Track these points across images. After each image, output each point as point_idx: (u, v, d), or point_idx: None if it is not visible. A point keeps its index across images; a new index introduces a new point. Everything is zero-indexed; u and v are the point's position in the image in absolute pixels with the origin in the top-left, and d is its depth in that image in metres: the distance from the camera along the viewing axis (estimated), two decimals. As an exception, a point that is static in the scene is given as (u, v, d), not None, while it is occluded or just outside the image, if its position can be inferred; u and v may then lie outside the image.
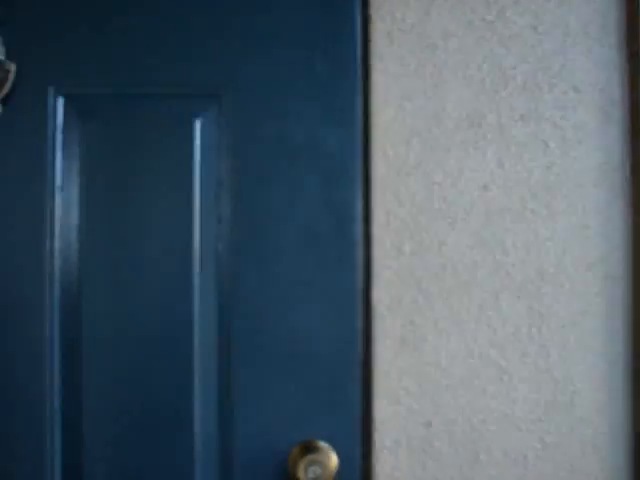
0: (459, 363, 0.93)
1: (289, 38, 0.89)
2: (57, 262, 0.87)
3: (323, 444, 0.90)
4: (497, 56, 0.95)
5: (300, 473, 0.88)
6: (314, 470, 0.88)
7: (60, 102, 0.88)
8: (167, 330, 0.88)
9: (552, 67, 0.95)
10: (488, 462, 0.94)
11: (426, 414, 0.93)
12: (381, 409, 0.92)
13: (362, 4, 0.92)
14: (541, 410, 0.95)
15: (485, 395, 0.94)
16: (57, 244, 0.87)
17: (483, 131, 0.94)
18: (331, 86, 0.90)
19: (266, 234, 0.88)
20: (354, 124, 0.90)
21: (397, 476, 0.92)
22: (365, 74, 0.92)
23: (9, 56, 0.88)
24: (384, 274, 0.92)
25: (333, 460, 0.89)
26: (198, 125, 0.89)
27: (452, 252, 0.93)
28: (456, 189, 0.93)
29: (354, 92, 0.90)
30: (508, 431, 0.94)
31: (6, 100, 0.87)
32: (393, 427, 0.92)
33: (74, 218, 0.88)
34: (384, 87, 0.93)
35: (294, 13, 0.89)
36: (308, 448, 0.89)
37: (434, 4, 0.94)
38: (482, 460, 0.94)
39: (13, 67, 0.87)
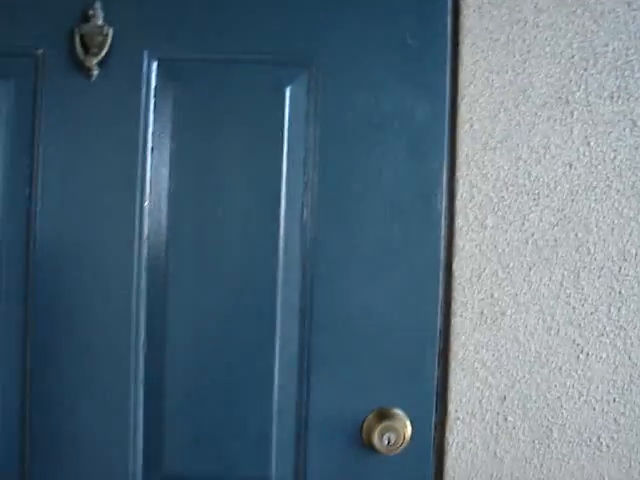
0: (537, 339, 0.94)
1: (381, 11, 0.91)
2: (147, 220, 0.91)
3: (398, 412, 0.92)
4: (588, 32, 0.95)
5: (375, 439, 0.90)
6: (389, 437, 0.91)
7: (154, 66, 0.92)
8: (250, 292, 0.91)
9: (645, 45, 0.95)
10: (561, 440, 0.95)
11: (501, 388, 0.94)
12: (457, 381, 0.94)
13: (454, -22, 0.92)
14: (617, 392, 0.95)
15: (561, 373, 0.95)
16: (147, 202, 0.91)
17: (570, 108, 0.95)
18: (421, 59, 0.91)
19: (351, 202, 0.91)
20: (442, 97, 0.91)
21: (469, 447, 0.94)
22: (455, 48, 0.93)
23: (107, 20, 0.91)
24: (466, 247, 0.94)
25: (407, 428, 0.92)
26: (288, 92, 0.91)
27: (534, 228, 0.94)
28: (541, 165, 0.94)
29: (443, 65, 0.91)
30: (582, 410, 0.95)
31: (103, 62, 0.91)
32: (468, 399, 0.94)
33: (164, 179, 0.92)
34: (472, 61, 0.94)
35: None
36: (383, 415, 0.92)
37: (524, -21, 0.95)
38: (555, 437, 0.95)
39: (111, 31, 0.91)
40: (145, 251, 0.91)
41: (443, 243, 0.94)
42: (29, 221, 0.92)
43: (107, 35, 0.91)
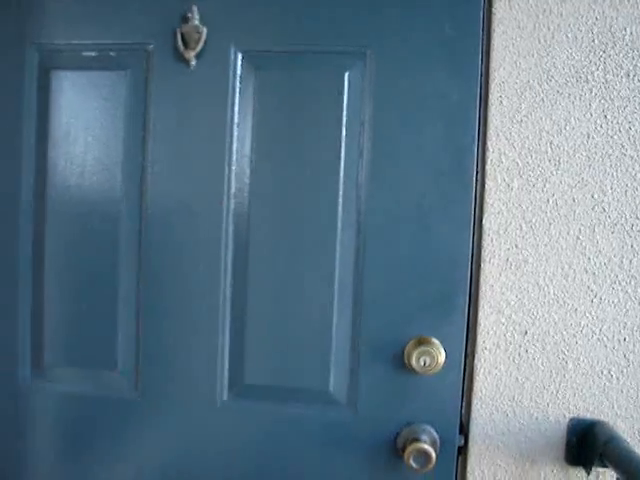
0: (555, 284, 1.14)
1: (423, 5, 1.12)
2: (234, 180, 1.17)
3: (434, 340, 1.14)
4: (607, 18, 1.12)
5: (413, 361, 1.13)
6: (425, 360, 1.13)
7: (239, 57, 1.17)
8: (314, 238, 1.16)
9: (661, 29, 1.11)
10: (575, 371, 1.14)
11: (523, 324, 1.15)
12: (485, 317, 1.15)
13: (488, -26, 1.12)
14: (627, 332, 1.13)
15: (576, 313, 1.14)
16: (234, 168, 1.17)
17: (589, 86, 1.12)
18: (457, 46, 1.12)
19: (398, 167, 1.13)
20: (475, 78, 1.12)
21: (495, 373, 1.15)
22: (487, 36, 1.13)
23: (202, 21, 1.17)
24: (495, 205, 1.14)
25: (442, 354, 1.14)
26: (347, 77, 1.14)
27: (555, 189, 1.13)
28: (562, 136, 1.13)
29: (476, 51, 1.12)
30: (595, 347, 1.14)
31: (199, 55, 1.17)
32: (494, 333, 1.15)
33: (247, 148, 1.17)
34: (502, 47, 1.13)
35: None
36: (422, 342, 1.14)
37: (552, -27, 1.13)
38: (570, 369, 1.14)
39: (205, 30, 1.17)
40: (232, 205, 1.18)
41: (475, 201, 1.15)
42: (142, 183, 1.20)
43: (202, 33, 1.17)
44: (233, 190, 1.18)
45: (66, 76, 1.23)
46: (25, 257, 1.25)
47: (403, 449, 1.13)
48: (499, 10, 1.13)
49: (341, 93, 1.14)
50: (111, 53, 1.21)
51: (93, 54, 1.22)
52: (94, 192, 1.22)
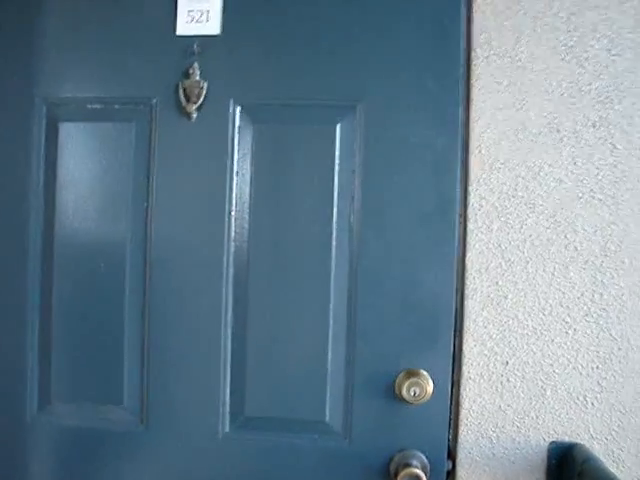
0: (533, 317, 1.25)
1: (408, 63, 1.24)
2: (233, 225, 1.27)
3: (423, 372, 1.24)
4: (575, 74, 1.25)
5: (404, 392, 1.23)
6: (415, 390, 1.23)
7: (238, 110, 1.27)
8: (310, 277, 1.26)
9: (623, 83, 1.24)
10: (553, 398, 1.25)
11: (504, 355, 1.25)
12: (469, 349, 1.25)
13: (466, 35, 1.24)
14: (600, 360, 1.24)
15: (553, 344, 1.25)
16: (234, 212, 1.26)
17: (560, 135, 1.25)
18: (439, 99, 1.23)
19: (387, 210, 1.24)
20: (456, 129, 1.23)
21: (479, 402, 1.26)
22: (467, 90, 1.25)
23: (202, 77, 1.27)
24: (476, 245, 1.25)
25: (430, 385, 1.24)
26: (339, 128, 1.25)
27: (531, 230, 1.25)
28: (536, 181, 1.25)
29: (457, 104, 1.23)
30: (571, 375, 1.25)
31: (200, 108, 1.27)
32: (478, 364, 1.26)
33: (246, 195, 1.28)
34: (481, 100, 1.25)
35: (412, 44, 1.23)
36: (411, 374, 1.24)
37: (524, 34, 1.25)
38: (548, 396, 1.25)
39: (205, 84, 1.27)
40: (232, 248, 1.28)
41: (458, 242, 1.26)
42: (147, 228, 1.29)
43: (203, 87, 1.27)
44: (233, 234, 1.28)
45: (73, 128, 1.32)
46: (34, 296, 1.33)
47: (396, 474, 1.22)
48: (477, 67, 1.25)
49: (333, 143, 1.25)
50: (116, 106, 1.31)
51: (99, 107, 1.31)
52: (100, 237, 1.31)
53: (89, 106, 1.32)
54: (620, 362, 1.24)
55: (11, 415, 1.34)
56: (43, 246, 1.33)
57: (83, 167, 1.31)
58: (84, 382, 1.32)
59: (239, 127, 1.28)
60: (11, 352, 1.33)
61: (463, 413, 1.26)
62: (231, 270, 1.27)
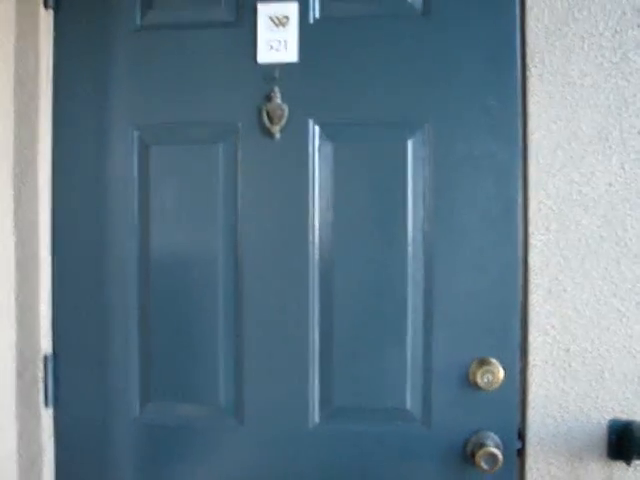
0: (590, 308, 1.41)
1: (470, 83, 1.40)
2: (317, 232, 1.44)
3: (494, 360, 1.41)
4: (620, 87, 1.41)
5: (478, 379, 1.39)
6: (487, 377, 1.39)
7: (317, 129, 1.43)
8: (390, 276, 1.42)
9: (664, 93, 1.40)
10: (611, 380, 1.41)
11: (566, 343, 1.41)
12: (534, 338, 1.42)
13: (521, 55, 1.40)
14: (652, 345, 1.41)
15: (609, 331, 1.41)
16: (317, 228, 1.43)
17: (609, 143, 1.41)
18: (500, 115, 1.40)
19: (456, 216, 1.40)
20: (516, 141, 1.39)
21: (544, 385, 1.42)
22: (524, 105, 1.41)
23: (283, 100, 1.43)
24: (537, 245, 1.41)
25: (500, 371, 1.40)
26: (410, 144, 1.41)
27: (585, 230, 1.41)
28: (589, 185, 1.41)
29: (516, 119, 1.39)
30: (626, 358, 1.41)
31: (282, 129, 1.43)
32: (542, 351, 1.42)
33: (329, 209, 1.44)
34: (537, 114, 1.41)
35: (472, 67, 1.39)
36: (483, 362, 1.41)
37: (574, 52, 1.41)
38: (606, 378, 1.41)
39: (286, 107, 1.43)
40: (317, 255, 1.44)
41: (521, 243, 1.42)
42: (237, 240, 1.45)
43: (284, 110, 1.43)
44: (317, 241, 1.44)
45: (163, 151, 1.47)
46: (133, 304, 1.49)
47: (472, 454, 1.39)
48: (533, 84, 1.41)
49: (405, 157, 1.41)
50: (203, 129, 1.47)
51: (187, 131, 1.47)
52: (193, 250, 1.47)
53: (178, 130, 1.47)
54: (669, 346, 1.40)
55: (116, 413, 1.49)
56: (140, 259, 1.49)
57: (174, 186, 1.47)
58: (182, 382, 1.48)
59: (319, 145, 1.43)
60: (114, 356, 1.49)
61: (530, 397, 1.42)
62: (317, 275, 1.44)
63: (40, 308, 1.54)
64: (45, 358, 1.52)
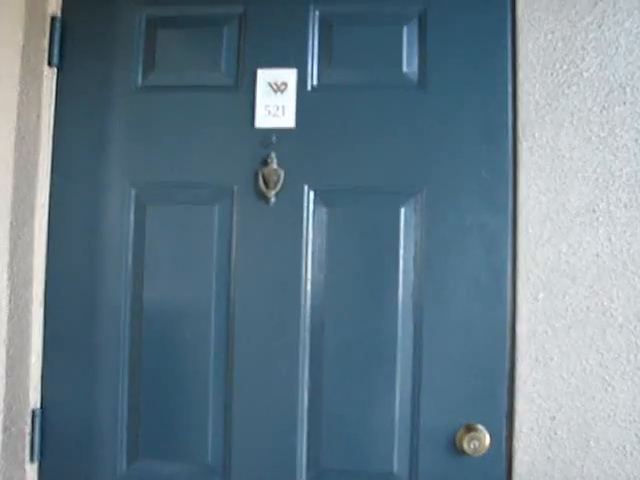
0: (576, 377, 1.48)
1: (463, 155, 1.49)
2: (309, 300, 1.51)
3: (480, 426, 1.47)
4: (607, 162, 1.50)
5: (464, 444, 1.45)
6: (474, 443, 1.45)
7: (311, 194, 1.51)
8: (379, 341, 1.49)
9: (650, 167, 1.49)
10: (596, 448, 1.48)
11: (552, 411, 1.48)
12: (520, 405, 1.48)
13: (513, 128, 1.49)
14: (637, 414, 1.47)
15: (594, 400, 1.48)
16: (309, 289, 1.50)
17: (596, 215, 1.49)
18: (491, 186, 1.48)
19: (446, 283, 1.48)
20: (506, 212, 1.48)
21: (530, 452, 1.48)
22: (514, 176, 1.49)
23: (279, 164, 1.51)
24: (525, 314, 1.49)
25: (487, 437, 1.46)
26: (403, 211, 1.49)
27: (572, 299, 1.48)
28: (576, 256, 1.49)
29: (506, 190, 1.48)
30: (611, 427, 1.47)
31: (277, 193, 1.50)
32: (528, 418, 1.48)
33: (321, 271, 1.51)
34: (526, 186, 1.49)
35: (466, 138, 1.48)
36: (470, 428, 1.47)
37: (563, 126, 1.50)
38: (592, 446, 1.48)
39: (282, 172, 1.50)
40: (308, 319, 1.51)
41: (509, 310, 1.49)
42: (230, 300, 1.52)
43: (280, 175, 1.50)
44: (309, 305, 1.51)
45: (160, 210, 1.54)
46: (124, 361, 1.55)
47: (458, 520, 1.44)
48: (523, 156, 1.50)
49: (398, 225, 1.49)
50: (200, 191, 1.54)
51: (184, 192, 1.54)
52: (185, 308, 1.54)
53: (175, 191, 1.55)
54: (653, 415, 1.47)
55: (102, 471, 1.54)
56: (132, 315, 1.56)
57: (169, 245, 1.54)
58: (170, 440, 1.53)
59: (313, 210, 1.51)
60: (103, 412, 1.54)
61: (516, 463, 1.48)
62: (307, 336, 1.50)
63: (31, 361, 1.58)
64: (33, 412, 1.56)
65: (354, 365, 1.50)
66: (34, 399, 1.59)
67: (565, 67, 1.52)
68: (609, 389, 1.48)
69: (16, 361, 1.58)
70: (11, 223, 1.58)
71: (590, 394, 1.48)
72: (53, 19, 1.60)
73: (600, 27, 1.52)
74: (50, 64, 1.59)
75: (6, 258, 1.58)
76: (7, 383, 1.58)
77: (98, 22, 1.60)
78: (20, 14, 1.58)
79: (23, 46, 1.59)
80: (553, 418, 1.48)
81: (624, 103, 1.50)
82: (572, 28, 1.53)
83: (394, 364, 1.49)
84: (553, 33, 1.53)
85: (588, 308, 1.48)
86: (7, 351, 1.58)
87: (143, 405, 1.55)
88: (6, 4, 1.55)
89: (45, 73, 1.60)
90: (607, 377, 1.48)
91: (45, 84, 1.61)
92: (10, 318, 1.58)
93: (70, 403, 1.57)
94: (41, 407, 1.58)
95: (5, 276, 1.58)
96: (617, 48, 1.52)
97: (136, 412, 1.55)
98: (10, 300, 1.58)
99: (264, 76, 1.53)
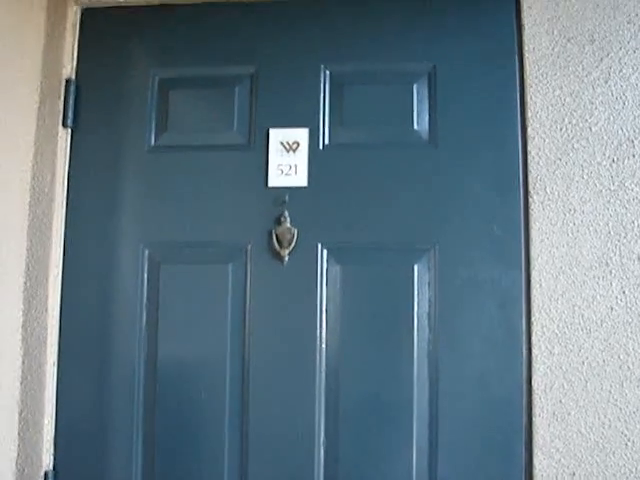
0: (594, 431, 1.51)
1: (476, 210, 1.54)
2: (324, 356, 1.56)
3: (500, 484, 1.50)
4: (619, 214, 1.55)
5: (484, 504, 1.48)
6: (493, 503, 1.48)
7: (325, 252, 1.57)
8: (394, 400, 1.52)
9: (661, 219, 1.54)
10: (617, 504, 1.50)
11: (571, 467, 1.51)
12: (539, 462, 1.51)
13: (524, 183, 1.54)
14: (656, 469, 1.50)
15: (614, 455, 1.51)
16: (324, 345, 1.54)
17: (609, 268, 1.53)
18: (503, 242, 1.53)
19: (461, 338, 1.52)
20: (519, 267, 1.53)
21: (551, 510, 1.51)
22: (527, 231, 1.54)
23: (293, 224, 1.56)
24: (541, 368, 1.52)
25: (506, 496, 1.49)
26: (416, 268, 1.54)
27: (588, 353, 1.52)
28: (590, 309, 1.53)
29: (519, 245, 1.53)
30: (631, 482, 1.50)
31: (291, 252, 1.55)
32: (547, 475, 1.51)
33: (336, 327, 1.55)
34: (539, 240, 1.54)
35: (478, 195, 1.54)
36: (489, 486, 1.49)
37: (574, 180, 1.56)
38: (612, 502, 1.50)
39: (296, 231, 1.56)
40: (323, 376, 1.55)
41: (525, 365, 1.53)
42: (244, 356, 1.57)
43: (293, 233, 1.56)
44: (324, 364, 1.55)
45: (173, 269, 1.59)
46: (138, 421, 1.60)
47: None
48: (535, 210, 1.55)
49: (411, 280, 1.54)
50: (213, 250, 1.59)
51: (197, 251, 1.60)
52: (199, 364, 1.58)
53: (188, 250, 1.60)
54: (674, 469, 1.49)
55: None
56: (146, 373, 1.60)
57: (183, 303, 1.59)
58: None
59: (327, 268, 1.56)
60: (117, 473, 1.58)
61: (537, 521, 1.50)
62: (323, 395, 1.54)
63: (43, 422, 1.61)
64: (45, 474, 1.60)
65: (370, 422, 1.53)
66: (47, 461, 1.62)
67: (574, 122, 1.58)
68: (629, 444, 1.51)
69: (29, 423, 1.62)
70: (25, 284, 1.63)
71: (610, 449, 1.51)
72: (67, 82, 1.67)
73: (607, 82, 1.58)
74: (64, 125, 1.66)
75: (20, 319, 1.62)
76: (19, 446, 1.60)
77: (111, 84, 1.67)
78: (36, 77, 1.65)
79: (38, 108, 1.65)
80: (573, 474, 1.51)
81: (633, 156, 1.56)
82: (580, 83, 1.59)
83: (410, 420, 1.52)
84: (561, 88, 1.59)
85: (604, 362, 1.52)
86: (20, 413, 1.62)
87: (158, 465, 1.58)
88: (22, 67, 1.62)
89: (59, 134, 1.67)
90: (627, 432, 1.51)
91: (59, 145, 1.67)
92: (23, 379, 1.62)
93: (83, 465, 1.60)
94: (54, 469, 1.61)
95: (19, 337, 1.62)
96: (624, 102, 1.58)
97: (151, 472, 1.58)
98: (23, 362, 1.62)
99: (276, 135, 1.59)
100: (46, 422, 1.63)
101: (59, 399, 1.64)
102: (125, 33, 1.69)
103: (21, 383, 1.62)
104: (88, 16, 1.71)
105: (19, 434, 1.61)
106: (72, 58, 1.71)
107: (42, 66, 1.66)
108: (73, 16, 1.73)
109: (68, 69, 1.70)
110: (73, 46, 1.71)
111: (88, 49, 1.69)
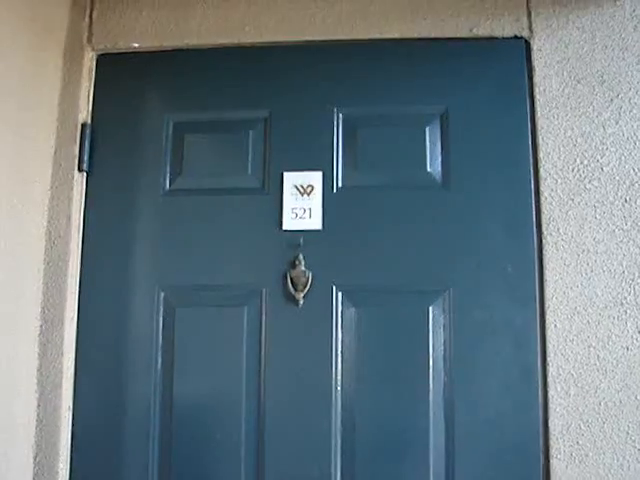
0: (613, 473, 1.58)
1: (490, 251, 1.63)
2: (339, 399, 1.64)
3: (517, 529, 1.57)
4: (633, 254, 1.63)
5: None
6: None
7: (340, 295, 1.66)
8: (412, 441, 1.60)
9: (676, 258, 1.62)
10: None
11: (590, 509, 1.58)
12: (558, 505, 1.58)
13: (537, 224, 1.63)
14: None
15: (633, 495, 1.58)
16: (339, 388, 1.63)
17: (624, 308, 1.62)
18: (517, 282, 1.62)
19: (476, 380, 1.61)
20: (533, 307, 1.62)
21: None
22: (540, 272, 1.63)
23: (307, 266, 1.66)
24: (557, 410, 1.60)
25: (525, 540, 1.56)
26: (431, 310, 1.63)
27: (604, 394, 1.60)
28: (606, 350, 1.61)
29: (533, 285, 1.62)
30: (650, 525, 1.57)
31: (306, 295, 1.64)
32: (566, 517, 1.58)
33: (350, 371, 1.63)
34: (553, 281, 1.63)
35: (492, 236, 1.64)
36: (507, 530, 1.56)
37: (587, 220, 1.65)
38: None
39: (310, 274, 1.65)
40: (340, 416, 1.63)
41: (541, 407, 1.60)
42: (260, 396, 1.65)
43: (308, 277, 1.65)
44: (339, 407, 1.63)
45: (189, 312, 1.68)
46: (153, 464, 1.66)
47: None
48: (548, 251, 1.64)
49: (426, 323, 1.62)
50: (229, 293, 1.68)
51: (212, 294, 1.68)
52: (215, 406, 1.67)
53: (203, 293, 1.69)
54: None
55: None
56: (162, 416, 1.68)
57: (198, 345, 1.68)
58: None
59: (342, 311, 1.65)
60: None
61: None
62: (339, 437, 1.63)
63: (58, 467, 1.69)
64: (60, 521, 1.67)
65: (386, 464, 1.62)
66: (62, 506, 1.70)
67: (586, 162, 1.67)
68: (647, 484, 1.58)
69: (44, 468, 1.70)
70: (41, 327, 1.72)
71: (630, 489, 1.58)
72: (83, 126, 1.78)
73: (617, 122, 1.68)
74: (80, 169, 1.76)
75: (35, 362, 1.71)
76: (35, 491, 1.68)
77: (126, 128, 1.78)
78: (52, 121, 1.76)
79: (54, 152, 1.76)
80: (591, 517, 1.58)
81: (645, 196, 1.65)
82: (590, 124, 1.69)
83: (427, 463, 1.60)
84: (572, 129, 1.69)
85: (621, 402, 1.60)
86: (34, 457, 1.70)
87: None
88: (39, 112, 1.73)
89: (75, 178, 1.78)
90: (645, 474, 1.58)
91: (75, 189, 1.78)
92: (38, 423, 1.70)
93: (98, 509, 1.67)
94: (68, 515, 1.68)
95: (34, 380, 1.70)
96: (635, 142, 1.67)
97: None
98: (39, 405, 1.71)
99: (290, 179, 1.69)
100: (61, 466, 1.70)
101: (74, 443, 1.71)
102: (140, 78, 1.81)
103: (36, 427, 1.70)
104: (103, 61, 1.82)
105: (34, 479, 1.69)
106: (88, 103, 1.82)
107: (58, 111, 1.78)
108: (89, 62, 1.84)
109: (84, 113, 1.81)
110: (89, 91, 1.83)
111: (104, 94, 1.80)
